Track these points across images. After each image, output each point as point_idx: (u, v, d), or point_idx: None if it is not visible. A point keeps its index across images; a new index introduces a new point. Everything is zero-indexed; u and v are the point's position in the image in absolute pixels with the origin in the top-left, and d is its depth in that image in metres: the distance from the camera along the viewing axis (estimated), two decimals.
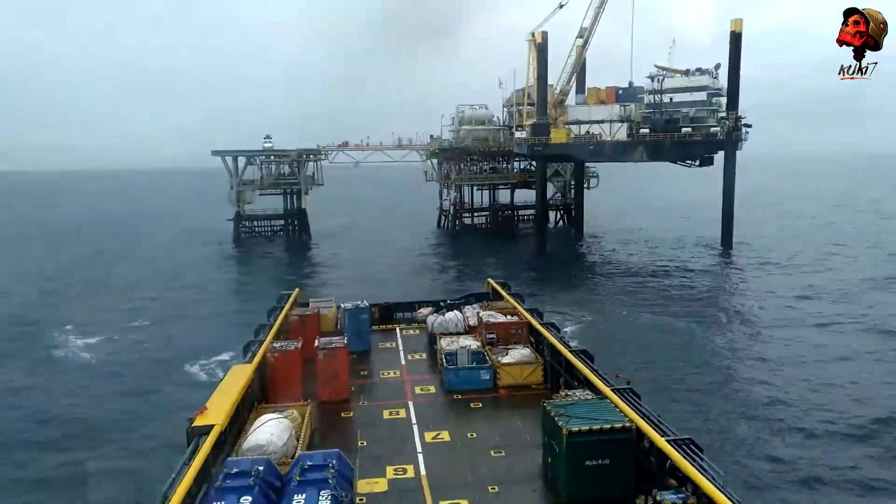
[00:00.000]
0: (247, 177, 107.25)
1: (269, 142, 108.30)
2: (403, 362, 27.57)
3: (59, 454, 30.76)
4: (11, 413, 36.05)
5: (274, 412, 18.76)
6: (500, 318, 27.83)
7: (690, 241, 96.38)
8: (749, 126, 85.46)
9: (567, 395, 19.38)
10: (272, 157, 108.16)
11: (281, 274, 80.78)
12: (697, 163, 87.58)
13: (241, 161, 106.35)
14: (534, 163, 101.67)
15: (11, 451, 31.34)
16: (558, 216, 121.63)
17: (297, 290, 33.92)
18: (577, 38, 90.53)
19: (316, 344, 23.98)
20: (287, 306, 30.45)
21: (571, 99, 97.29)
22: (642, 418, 16.49)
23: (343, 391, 23.21)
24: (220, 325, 52.77)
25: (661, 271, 75.36)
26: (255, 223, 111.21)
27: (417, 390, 24.22)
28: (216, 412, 17.22)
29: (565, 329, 40.31)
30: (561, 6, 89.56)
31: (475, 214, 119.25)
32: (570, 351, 22.33)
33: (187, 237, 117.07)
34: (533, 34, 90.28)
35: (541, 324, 26.33)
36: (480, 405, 22.82)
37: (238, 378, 20.02)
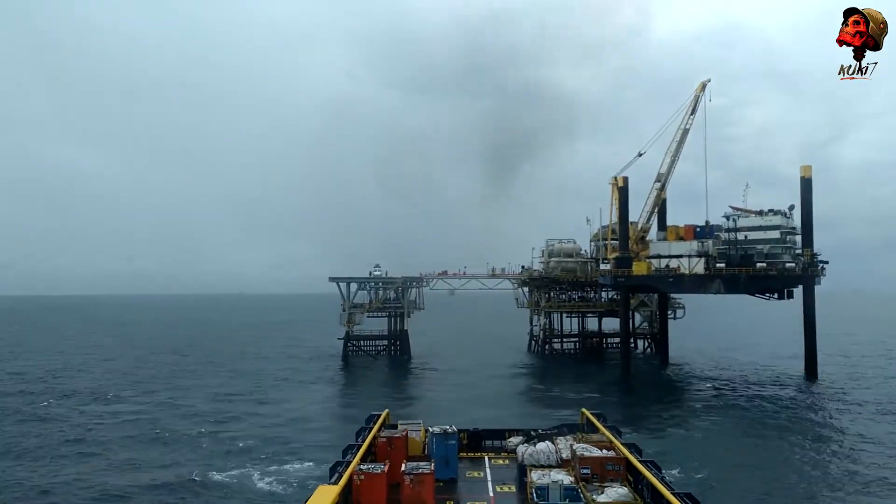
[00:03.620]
0: (357, 300, 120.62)
1: (378, 270, 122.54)
2: (491, 494, 26.28)
3: None
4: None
5: None
6: (596, 453, 26.35)
7: (775, 373, 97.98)
8: (826, 263, 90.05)
9: None
10: (380, 284, 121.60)
11: (377, 393, 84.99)
12: (776, 296, 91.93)
13: (353, 287, 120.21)
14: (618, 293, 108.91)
15: None
16: (646, 344, 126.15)
17: (386, 410, 33.99)
18: (655, 182, 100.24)
19: (403, 468, 23.61)
20: (375, 427, 30.48)
21: (653, 235, 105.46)
22: None
23: None
24: (312, 441, 55.85)
25: (744, 402, 77.15)
26: (363, 342, 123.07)
27: None
28: None
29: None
30: (640, 155, 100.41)
31: (564, 340, 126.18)
32: (674, 494, 20.46)
33: (303, 353, 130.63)
34: (615, 178, 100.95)
35: (640, 460, 24.78)
36: None
37: (323, 499, 19.82)
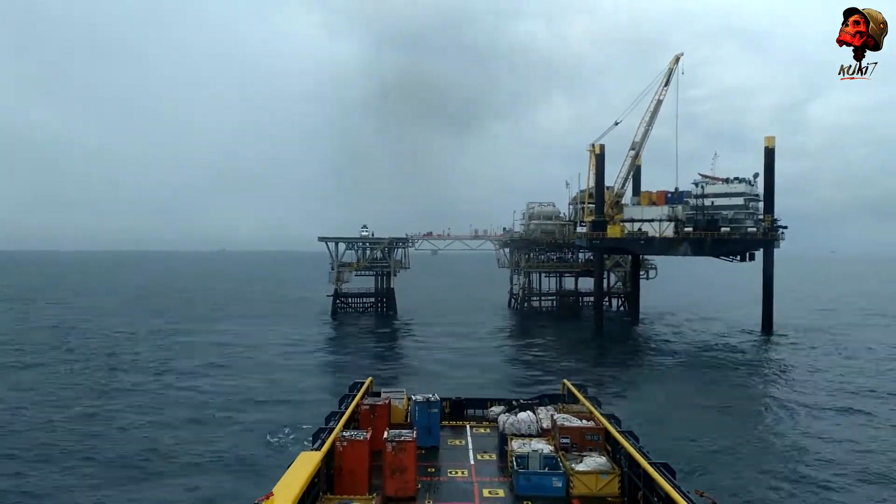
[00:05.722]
0: (345, 259, 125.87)
1: (366, 230, 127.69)
2: (472, 462, 26.85)
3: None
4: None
5: None
6: (576, 423, 26.94)
7: (735, 329, 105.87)
8: (785, 227, 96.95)
9: None
10: (367, 244, 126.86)
11: (363, 352, 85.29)
12: (738, 258, 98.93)
13: (342, 246, 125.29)
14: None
15: None
16: (620, 302, 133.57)
17: (369, 378, 34.49)
18: (630, 150, 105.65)
19: (385, 436, 23.83)
20: (359, 395, 30.90)
21: (627, 199, 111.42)
22: None
23: (410, 488, 22.77)
24: (297, 406, 54.56)
25: (704, 353, 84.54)
26: (350, 300, 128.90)
27: (485, 493, 23.54)
28: (282, 500, 17.52)
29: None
30: (616, 124, 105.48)
31: (542, 298, 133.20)
32: (650, 463, 21.19)
33: (294, 308, 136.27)
34: (593, 145, 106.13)
35: (618, 431, 25.29)
36: None
37: (306, 465, 20.06)
